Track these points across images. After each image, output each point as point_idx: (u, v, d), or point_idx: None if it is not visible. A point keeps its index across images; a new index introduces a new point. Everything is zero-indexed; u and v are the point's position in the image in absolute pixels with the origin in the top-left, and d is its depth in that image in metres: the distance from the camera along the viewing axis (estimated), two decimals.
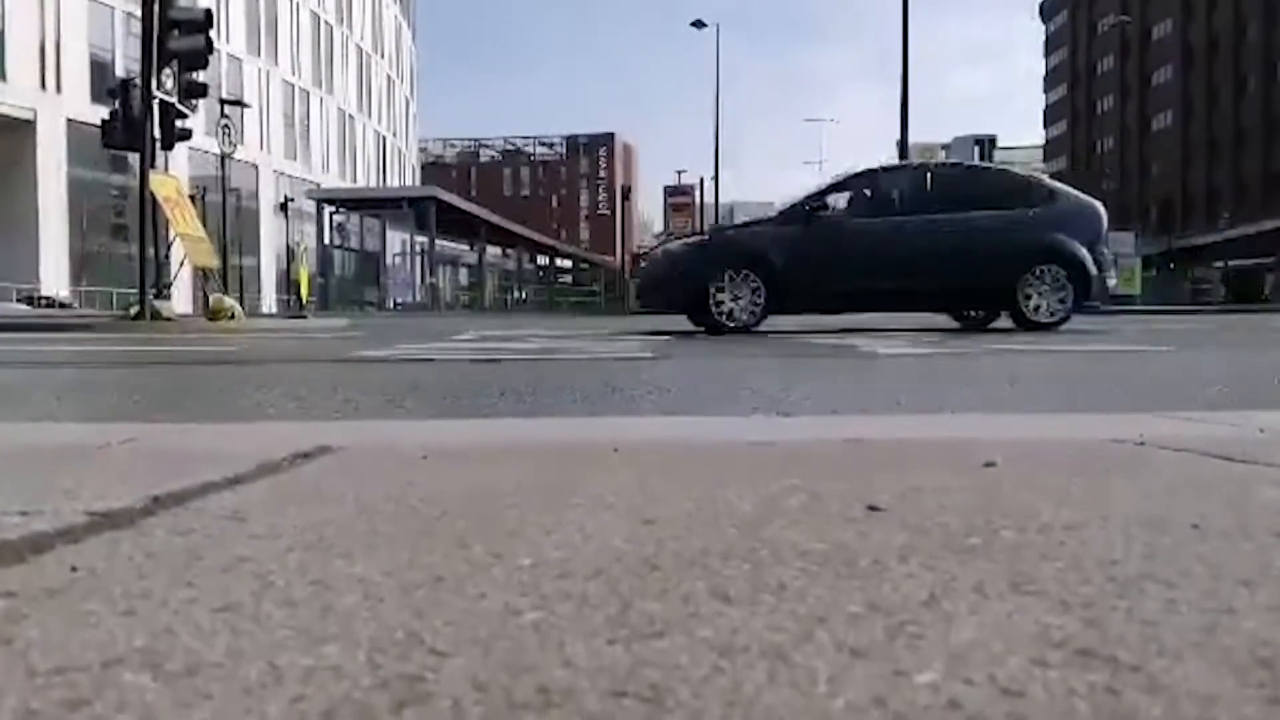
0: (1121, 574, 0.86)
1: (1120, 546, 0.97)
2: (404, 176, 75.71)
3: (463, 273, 42.67)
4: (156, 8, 13.40)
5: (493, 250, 43.11)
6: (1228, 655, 0.65)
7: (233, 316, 14.57)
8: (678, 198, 53.59)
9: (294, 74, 56.19)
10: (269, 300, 49.95)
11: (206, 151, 28.27)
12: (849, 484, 1.32)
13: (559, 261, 54.12)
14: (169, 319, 13.36)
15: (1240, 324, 13.43)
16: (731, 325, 9.39)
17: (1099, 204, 10.13)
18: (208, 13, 14.22)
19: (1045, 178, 11.45)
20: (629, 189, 54.91)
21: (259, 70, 52.07)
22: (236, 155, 22.72)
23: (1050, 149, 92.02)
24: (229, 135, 20.59)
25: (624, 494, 1.27)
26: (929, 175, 10.47)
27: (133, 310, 14.06)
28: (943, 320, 11.16)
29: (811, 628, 0.72)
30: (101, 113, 15.37)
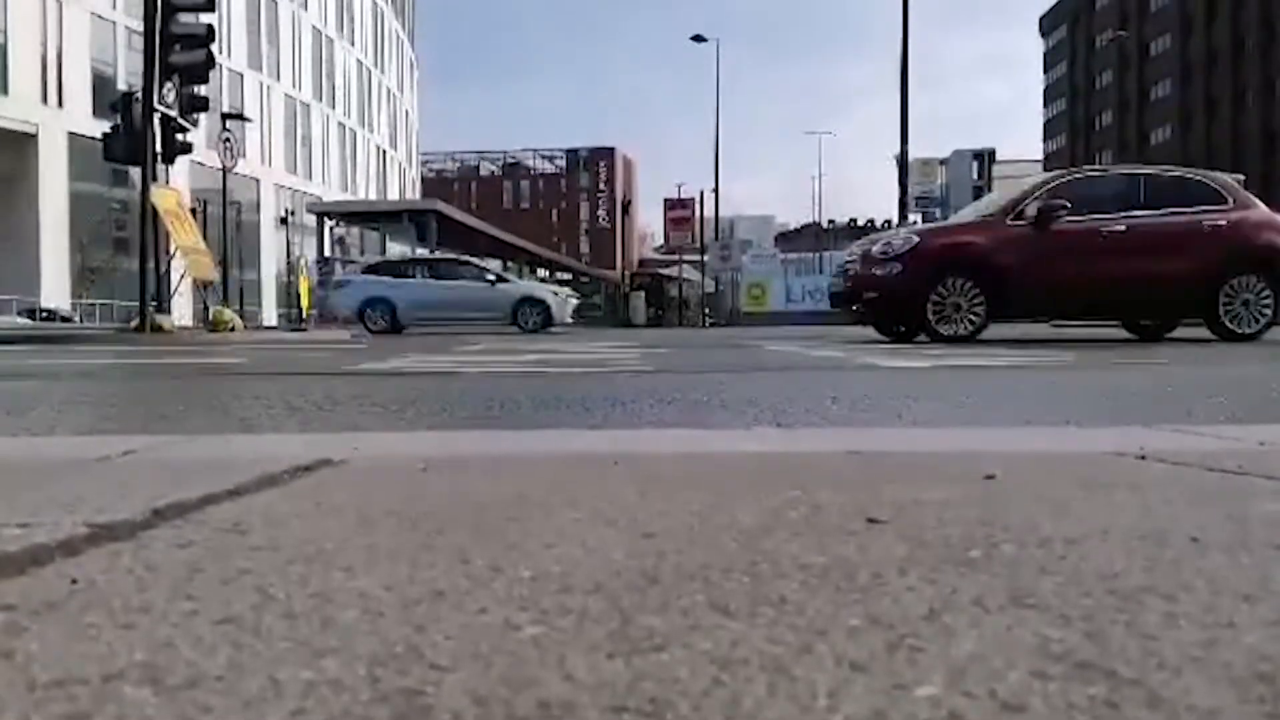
0: (1122, 587, 0.86)
1: (1120, 560, 0.97)
2: (404, 189, 75.93)
3: None
4: (158, 22, 13.49)
5: (493, 263, 43.24)
6: (1228, 670, 0.65)
7: (233, 329, 14.60)
8: (677, 211, 53.57)
9: (295, 88, 56.43)
10: (270, 313, 49.98)
11: (208, 165, 28.37)
12: (849, 496, 1.32)
13: (559, 274, 54.22)
14: (169, 331, 13.38)
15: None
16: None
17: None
18: (209, 27, 14.32)
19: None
20: (629, 202, 54.85)
21: (260, 84, 52.31)
22: (237, 169, 22.82)
23: (1049, 163, 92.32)
24: (230, 149, 20.70)
25: (625, 507, 1.27)
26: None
27: (133, 323, 14.09)
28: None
29: (811, 641, 0.72)
30: (103, 126, 15.44)
